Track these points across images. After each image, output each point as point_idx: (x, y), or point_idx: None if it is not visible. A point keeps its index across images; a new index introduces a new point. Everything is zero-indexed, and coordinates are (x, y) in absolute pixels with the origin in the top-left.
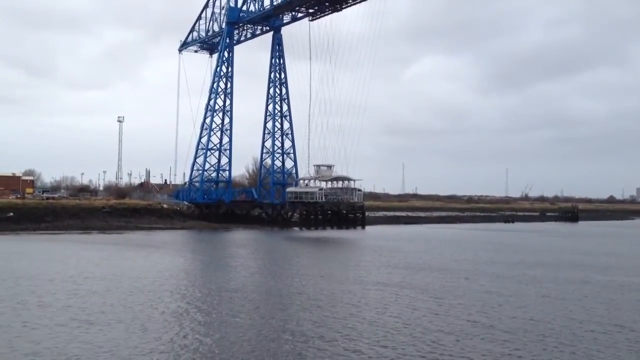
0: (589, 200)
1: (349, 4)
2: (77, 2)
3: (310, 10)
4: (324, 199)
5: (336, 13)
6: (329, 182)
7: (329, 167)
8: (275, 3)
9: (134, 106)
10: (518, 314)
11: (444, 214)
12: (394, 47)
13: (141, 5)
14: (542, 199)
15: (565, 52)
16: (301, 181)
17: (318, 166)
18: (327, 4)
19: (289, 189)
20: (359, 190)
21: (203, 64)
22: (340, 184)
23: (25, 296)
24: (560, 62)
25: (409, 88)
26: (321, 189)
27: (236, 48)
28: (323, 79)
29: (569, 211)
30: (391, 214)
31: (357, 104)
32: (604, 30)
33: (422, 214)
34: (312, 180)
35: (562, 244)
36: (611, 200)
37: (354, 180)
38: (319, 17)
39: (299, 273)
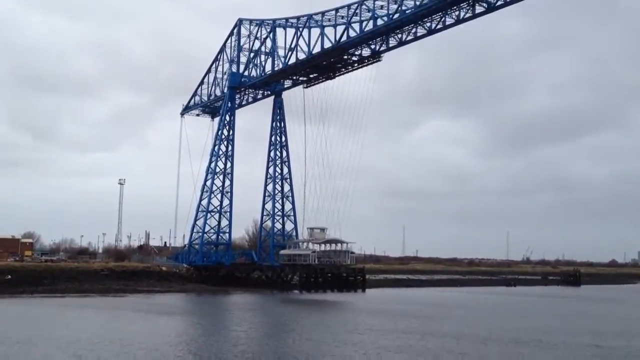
0: (591, 264)
1: (342, 73)
2: (86, 67)
3: (304, 78)
4: (316, 262)
5: (330, 80)
6: (322, 245)
7: (322, 229)
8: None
9: (138, 169)
10: None
11: (445, 277)
12: (399, 111)
13: (149, 69)
14: (543, 262)
15: (569, 116)
16: (301, 243)
17: (312, 229)
18: (320, 71)
19: (282, 252)
20: (352, 252)
21: (205, 127)
22: (333, 247)
23: None
24: (564, 126)
25: (413, 151)
26: (314, 252)
27: (237, 111)
28: (322, 142)
29: (571, 275)
30: (392, 276)
31: (354, 167)
32: (608, 95)
33: (423, 277)
34: (306, 243)
35: (567, 307)
36: (613, 263)
37: (347, 243)
38: (314, 85)
39: (309, 338)
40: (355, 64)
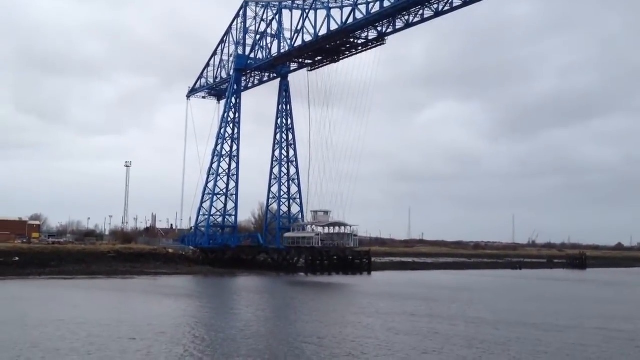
0: (597, 247)
1: (345, 56)
2: (92, 49)
3: (310, 61)
4: (320, 244)
5: (334, 64)
6: (326, 228)
7: (326, 212)
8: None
9: (145, 151)
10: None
11: (450, 260)
12: (406, 93)
13: (155, 51)
14: (549, 245)
15: (577, 99)
16: (305, 226)
17: (315, 212)
18: (324, 54)
19: (286, 234)
20: (355, 235)
21: (211, 109)
22: (337, 229)
23: (56, 342)
24: (571, 109)
25: (420, 133)
26: (318, 234)
27: (243, 94)
28: (327, 125)
29: (577, 258)
30: (397, 259)
31: (359, 149)
32: (616, 77)
33: (428, 260)
34: (310, 226)
35: (574, 291)
36: (619, 247)
37: (350, 226)
38: (318, 68)
39: (318, 320)
40: (360, 47)
